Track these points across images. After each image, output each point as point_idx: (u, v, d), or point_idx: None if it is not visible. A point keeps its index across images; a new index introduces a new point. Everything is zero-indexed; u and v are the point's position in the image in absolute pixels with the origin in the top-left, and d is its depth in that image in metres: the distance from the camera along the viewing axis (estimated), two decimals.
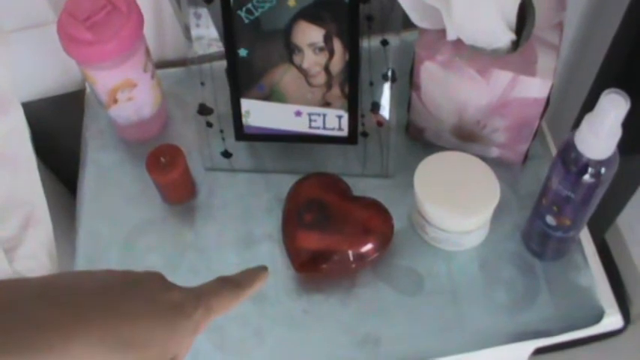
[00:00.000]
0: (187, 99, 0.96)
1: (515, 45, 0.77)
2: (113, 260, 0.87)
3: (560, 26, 0.79)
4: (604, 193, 0.71)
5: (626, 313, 1.61)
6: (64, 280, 0.45)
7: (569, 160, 0.68)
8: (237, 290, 0.52)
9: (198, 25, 0.83)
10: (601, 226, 1.45)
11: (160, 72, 0.95)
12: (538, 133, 0.87)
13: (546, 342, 0.81)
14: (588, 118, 0.64)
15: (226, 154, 0.91)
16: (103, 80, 0.86)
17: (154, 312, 0.45)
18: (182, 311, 0.47)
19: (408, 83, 0.85)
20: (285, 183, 0.87)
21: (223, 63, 0.85)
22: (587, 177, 0.67)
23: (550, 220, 0.76)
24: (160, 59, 1.01)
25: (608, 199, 0.74)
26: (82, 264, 0.88)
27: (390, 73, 0.83)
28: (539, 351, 0.94)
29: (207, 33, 0.84)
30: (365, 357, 0.79)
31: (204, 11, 0.83)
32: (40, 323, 0.40)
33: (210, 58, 0.86)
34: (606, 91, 0.61)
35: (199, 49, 0.85)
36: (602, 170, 0.67)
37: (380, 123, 0.86)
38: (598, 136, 0.63)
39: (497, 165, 0.83)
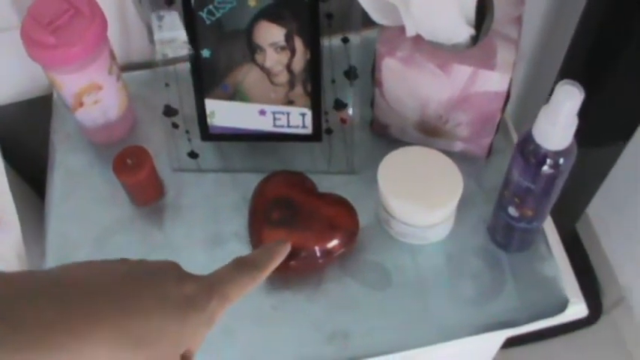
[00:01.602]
0: (154, 101, 0.96)
1: (475, 39, 0.78)
2: None
3: (519, 20, 0.80)
4: (571, 184, 0.72)
5: (598, 304, 1.63)
6: (76, 274, 0.44)
7: (528, 151, 0.69)
8: (254, 272, 0.52)
9: (160, 27, 0.84)
10: (571, 217, 1.46)
11: (126, 75, 0.96)
12: (501, 127, 0.88)
13: (515, 332, 0.82)
14: (544, 110, 0.65)
15: (193, 155, 0.92)
16: (69, 84, 0.86)
17: (166, 308, 0.45)
18: (195, 304, 0.47)
19: (371, 80, 0.86)
20: (252, 182, 0.87)
21: (188, 64, 0.85)
22: (545, 168, 0.68)
23: (512, 211, 0.77)
24: (125, 62, 1.01)
25: (576, 190, 0.75)
26: (51, 266, 0.87)
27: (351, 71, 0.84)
28: (512, 343, 0.95)
29: (175, 35, 0.84)
30: (334, 352, 0.80)
31: (167, 13, 0.83)
32: (50, 321, 0.40)
33: (174, 60, 0.86)
34: (561, 83, 0.62)
35: (170, 52, 0.85)
36: (561, 161, 0.68)
37: (344, 120, 0.87)
38: (554, 127, 0.64)
39: (462, 159, 0.84)
